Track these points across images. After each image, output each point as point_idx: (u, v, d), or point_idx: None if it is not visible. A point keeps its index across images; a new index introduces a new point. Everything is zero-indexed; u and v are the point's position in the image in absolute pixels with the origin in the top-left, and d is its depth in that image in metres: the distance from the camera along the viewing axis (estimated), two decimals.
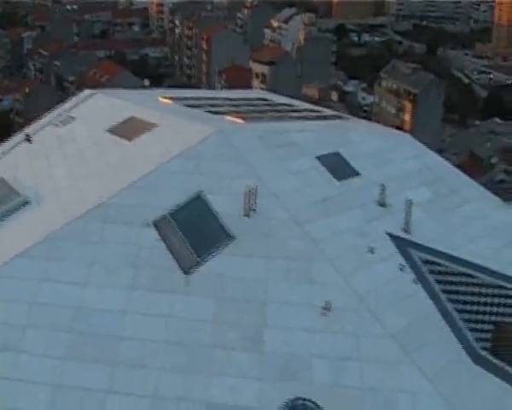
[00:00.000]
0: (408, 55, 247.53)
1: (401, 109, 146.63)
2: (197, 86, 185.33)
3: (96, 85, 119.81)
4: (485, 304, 26.91)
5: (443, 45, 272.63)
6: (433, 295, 24.74)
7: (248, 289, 23.46)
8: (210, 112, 34.91)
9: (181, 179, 27.04)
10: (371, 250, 25.46)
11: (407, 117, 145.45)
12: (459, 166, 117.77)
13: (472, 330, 26.71)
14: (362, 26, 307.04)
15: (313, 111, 39.57)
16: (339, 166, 29.60)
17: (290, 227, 25.39)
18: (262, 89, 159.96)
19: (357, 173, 29.50)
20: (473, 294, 26.74)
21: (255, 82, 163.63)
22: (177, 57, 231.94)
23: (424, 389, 21.15)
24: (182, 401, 20.81)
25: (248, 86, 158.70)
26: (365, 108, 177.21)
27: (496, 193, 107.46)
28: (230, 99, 41.87)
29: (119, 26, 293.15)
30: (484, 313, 26.96)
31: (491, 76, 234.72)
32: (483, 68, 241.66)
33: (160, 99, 37.95)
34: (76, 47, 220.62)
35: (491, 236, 29.18)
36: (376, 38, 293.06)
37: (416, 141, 34.52)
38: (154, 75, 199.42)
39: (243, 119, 32.90)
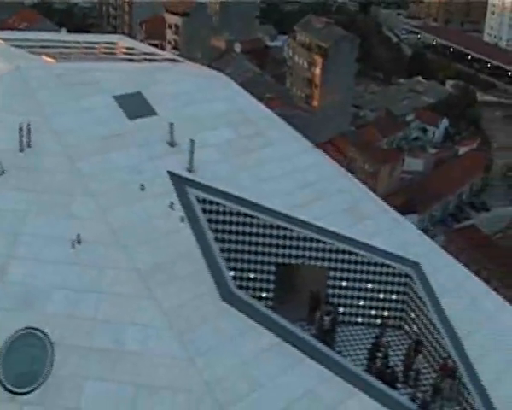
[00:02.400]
0: (341, 12, 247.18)
1: (312, 63, 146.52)
2: None
3: None
4: (267, 245, 27.08)
5: (377, 4, 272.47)
6: (199, 234, 24.73)
7: (6, 221, 23.24)
8: (33, 53, 34.31)
9: None
10: (142, 187, 25.34)
11: (317, 71, 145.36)
12: (374, 122, 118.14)
13: (250, 270, 27.01)
14: None
15: (149, 55, 39.06)
16: (136, 106, 29.35)
17: (61, 163, 25.25)
18: (175, 40, 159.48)
19: (154, 113, 29.25)
20: (252, 234, 26.87)
21: (169, 33, 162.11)
22: (104, 8, 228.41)
23: (158, 323, 21.23)
24: None
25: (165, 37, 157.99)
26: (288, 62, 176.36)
27: (410, 149, 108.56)
28: (71, 42, 41.21)
29: None
30: (265, 253, 27.15)
31: (420, 36, 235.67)
32: (412, 28, 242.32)
33: None
34: None
35: (287, 178, 29.24)
36: None
37: (233, 84, 34.36)
38: (81, 25, 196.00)
39: (55, 58, 32.43)
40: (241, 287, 27.02)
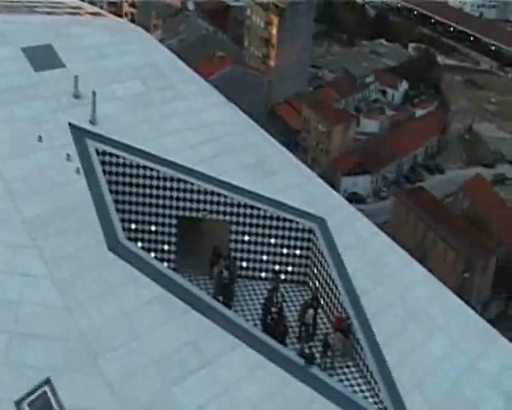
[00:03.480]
0: None
1: (269, 23, 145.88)
2: None
3: None
4: (167, 198, 27.04)
5: None
6: (93, 185, 24.59)
7: None
8: None
9: None
10: (40, 139, 25.21)
11: (274, 31, 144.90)
12: (332, 83, 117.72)
13: (151, 223, 26.98)
14: None
15: (73, 8, 38.69)
16: (44, 58, 29.15)
17: None
18: None
19: (62, 65, 29.05)
20: (153, 187, 26.83)
21: None
22: None
23: (38, 273, 21.11)
24: None
25: None
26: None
27: (368, 111, 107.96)
28: None
29: None
30: (165, 206, 27.13)
31: None
32: None
33: None
34: None
35: (194, 132, 29.12)
36: None
37: (151, 39, 34.26)
38: None
39: None
40: (142, 240, 27.11)
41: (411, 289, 27.31)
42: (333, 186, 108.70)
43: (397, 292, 26.68)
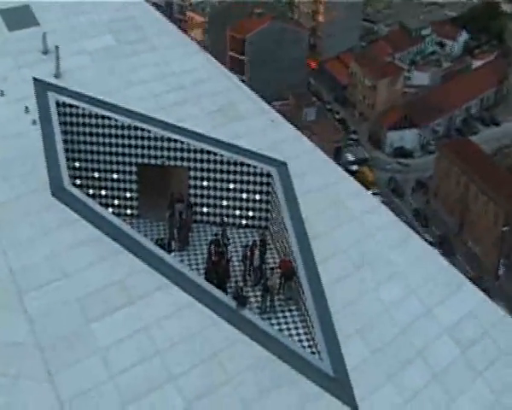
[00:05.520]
0: None
1: None
2: None
3: None
4: (126, 146, 27.95)
5: None
6: (48, 135, 25.66)
7: None
8: None
9: None
10: (2, 93, 26.54)
11: None
12: (386, 37, 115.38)
13: (112, 171, 27.95)
14: None
15: None
16: (19, 18, 30.44)
17: None
18: None
19: (37, 24, 30.28)
20: (112, 135, 27.77)
21: None
22: None
23: None
24: None
25: None
26: None
27: (426, 64, 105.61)
28: None
29: None
30: (125, 154, 28.06)
31: None
32: None
33: None
34: None
35: (160, 81, 30.01)
36: None
37: None
38: None
39: None
40: (105, 188, 28.15)
41: (373, 234, 26.71)
42: (379, 140, 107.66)
43: (354, 237, 26.29)
